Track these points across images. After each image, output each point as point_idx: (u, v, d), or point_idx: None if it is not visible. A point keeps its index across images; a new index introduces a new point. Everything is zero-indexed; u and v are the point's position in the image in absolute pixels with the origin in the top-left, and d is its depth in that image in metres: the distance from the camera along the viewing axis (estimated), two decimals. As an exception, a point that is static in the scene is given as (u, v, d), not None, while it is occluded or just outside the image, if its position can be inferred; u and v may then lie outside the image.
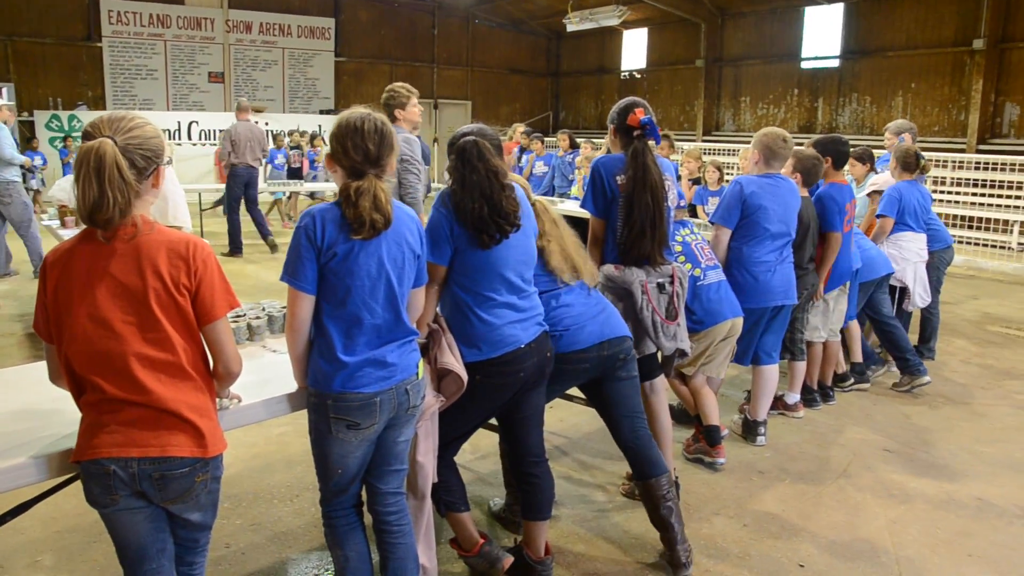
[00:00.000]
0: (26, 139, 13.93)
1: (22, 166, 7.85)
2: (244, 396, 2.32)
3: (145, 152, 1.88)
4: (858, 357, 5.27)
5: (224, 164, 9.86)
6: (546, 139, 11.19)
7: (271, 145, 12.80)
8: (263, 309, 3.09)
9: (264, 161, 10.55)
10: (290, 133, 14.01)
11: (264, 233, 10.10)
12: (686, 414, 4.35)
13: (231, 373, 2.07)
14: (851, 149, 5.13)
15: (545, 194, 9.37)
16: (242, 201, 9.91)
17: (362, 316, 2.26)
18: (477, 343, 2.61)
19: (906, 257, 5.26)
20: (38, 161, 12.83)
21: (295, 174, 12.88)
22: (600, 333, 2.90)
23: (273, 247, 9.98)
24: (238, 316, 2.99)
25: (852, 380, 5.20)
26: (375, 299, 2.27)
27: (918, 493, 3.76)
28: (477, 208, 2.52)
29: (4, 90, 16.12)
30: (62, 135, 14.62)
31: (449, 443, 2.82)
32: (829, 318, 4.76)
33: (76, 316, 1.86)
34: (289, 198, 13.02)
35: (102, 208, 1.80)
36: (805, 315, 4.57)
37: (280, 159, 12.95)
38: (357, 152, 2.25)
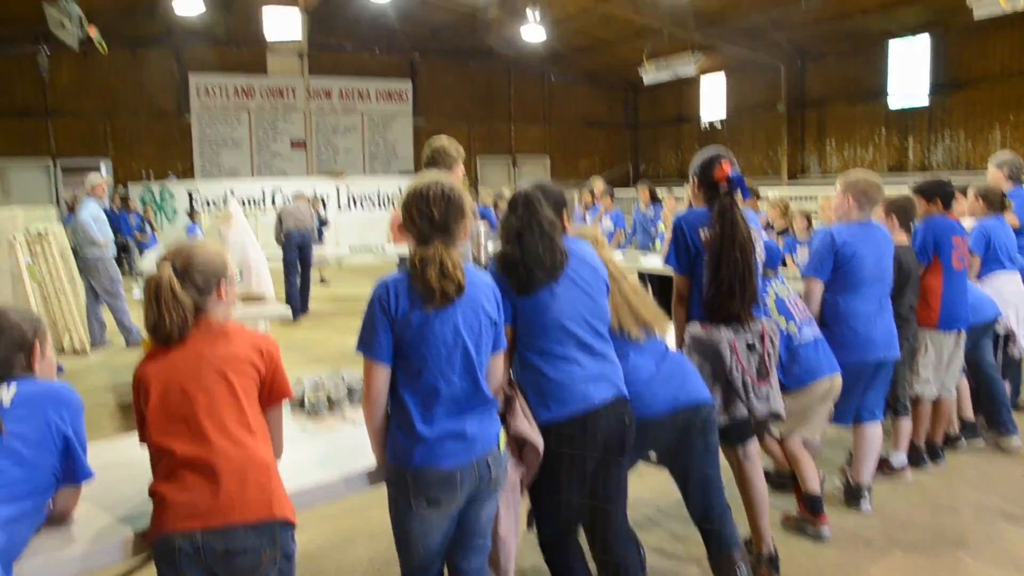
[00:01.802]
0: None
1: (127, 239, 8.29)
2: (324, 472, 2.33)
3: (204, 272, 2.11)
4: (969, 415, 4.87)
5: (277, 239, 10.27)
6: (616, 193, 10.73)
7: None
8: (342, 379, 3.07)
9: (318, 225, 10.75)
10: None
11: (295, 306, 9.64)
12: (781, 480, 4.11)
13: (278, 455, 2.18)
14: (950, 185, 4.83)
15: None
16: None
17: (439, 386, 2.21)
18: (547, 401, 2.51)
19: (1005, 299, 4.86)
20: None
21: None
22: (675, 398, 2.76)
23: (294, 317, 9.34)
24: (318, 388, 2.98)
25: (963, 441, 4.81)
26: (452, 368, 2.22)
27: (1050, 566, 3.42)
28: (508, 251, 2.54)
29: (102, 165, 17.28)
30: (154, 205, 15.78)
31: (561, 530, 2.70)
32: (941, 371, 4.41)
33: (154, 388, 2.01)
34: None
35: (160, 327, 2.03)
36: (906, 368, 4.28)
37: None
38: (422, 219, 2.24)
